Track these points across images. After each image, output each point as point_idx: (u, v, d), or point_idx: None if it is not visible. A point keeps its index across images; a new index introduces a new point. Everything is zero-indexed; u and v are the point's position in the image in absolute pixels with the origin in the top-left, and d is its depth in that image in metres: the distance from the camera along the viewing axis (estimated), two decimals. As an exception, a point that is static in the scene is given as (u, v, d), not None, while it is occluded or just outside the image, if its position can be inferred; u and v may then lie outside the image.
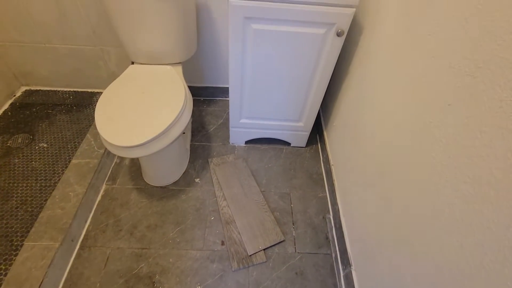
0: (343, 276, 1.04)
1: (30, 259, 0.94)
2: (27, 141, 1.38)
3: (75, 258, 1.05)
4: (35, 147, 1.35)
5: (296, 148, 1.50)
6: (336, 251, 1.12)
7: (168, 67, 1.22)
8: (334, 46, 1.00)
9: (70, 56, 1.49)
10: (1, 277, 0.93)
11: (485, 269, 0.44)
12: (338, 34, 0.94)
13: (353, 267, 0.98)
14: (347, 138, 1.13)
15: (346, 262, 1.03)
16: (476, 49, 0.49)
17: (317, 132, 1.57)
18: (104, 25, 1.35)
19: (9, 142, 1.37)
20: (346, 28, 0.94)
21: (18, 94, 1.61)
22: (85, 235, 1.11)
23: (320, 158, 1.45)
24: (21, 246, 0.98)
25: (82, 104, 1.58)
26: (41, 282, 0.89)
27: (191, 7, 1.14)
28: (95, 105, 1.57)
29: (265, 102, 1.24)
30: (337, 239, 1.13)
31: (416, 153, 0.65)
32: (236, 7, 0.90)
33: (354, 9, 0.90)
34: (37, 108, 1.54)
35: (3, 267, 0.96)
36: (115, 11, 1.05)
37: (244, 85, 1.16)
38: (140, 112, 1.00)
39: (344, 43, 1.18)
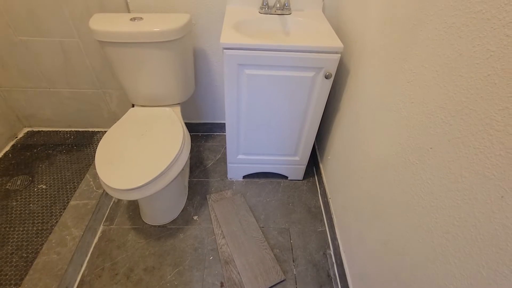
0: (347, 317, 1.00)
1: (22, 311, 0.91)
2: (26, 182, 1.39)
3: (69, 307, 1.01)
4: (34, 189, 1.36)
5: (294, 181, 1.51)
6: (338, 290, 1.09)
7: (167, 108, 1.28)
8: (323, 87, 1.06)
9: (73, 99, 1.56)
10: (-9, 331, 0.89)
11: (481, 315, 0.45)
12: (326, 77, 1.01)
13: (356, 308, 0.96)
14: (341, 173, 1.16)
15: (349, 302, 1.00)
16: (449, 99, 0.53)
17: (313, 165, 1.60)
18: (107, 71, 1.43)
19: (8, 184, 1.38)
20: (333, 71, 1.01)
21: (20, 135, 1.65)
22: (80, 281, 1.08)
23: (317, 191, 1.47)
24: (14, 295, 0.96)
25: (83, 144, 1.62)
26: (33, 336, 0.85)
27: (189, 53, 1.23)
28: (95, 144, 1.61)
29: (261, 139, 1.28)
30: (339, 277, 1.11)
31: (405, 193, 0.67)
32: (230, 55, 0.97)
33: (339, 55, 0.98)
34: (38, 149, 1.57)
35: (-6, 320, 0.92)
36: (116, 61, 1.12)
37: (240, 123, 1.21)
38: (139, 155, 1.03)
39: (333, 84, 1.26)
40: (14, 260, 1.08)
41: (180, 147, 1.06)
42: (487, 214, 0.45)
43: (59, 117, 1.64)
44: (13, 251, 1.11)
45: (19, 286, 0.97)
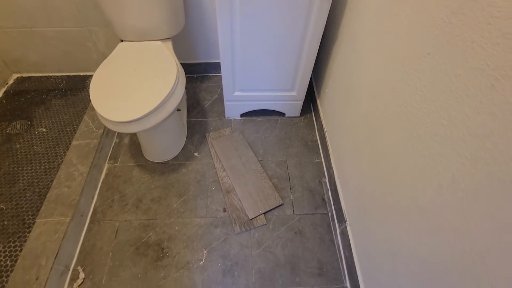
0: (339, 232, 1.11)
1: (43, 234, 0.99)
2: (25, 127, 1.40)
3: (86, 232, 1.11)
4: (35, 132, 1.38)
5: (291, 118, 1.52)
6: (332, 211, 1.18)
7: (158, 42, 1.22)
8: (321, 8, 1.00)
9: (58, 39, 1.47)
10: (16, 253, 0.99)
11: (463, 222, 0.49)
12: (325, -4, 0.94)
13: (348, 223, 1.05)
14: (338, 103, 1.16)
15: (341, 219, 1.09)
16: (452, -5, 0.51)
17: (310, 101, 1.59)
18: (88, 1, 1.33)
19: (8, 129, 1.39)
20: (332, -11, 0.94)
21: (11, 82, 1.61)
22: (93, 211, 1.17)
23: (314, 126, 1.49)
24: (33, 223, 1.04)
25: (76, 88, 1.59)
26: (57, 254, 0.95)
27: (175, -22, 1.12)
28: (89, 88, 1.58)
29: (257, 73, 1.25)
30: (332, 200, 1.20)
31: (400, 107, 0.68)
32: (220, -27, 0.89)
33: (339, -32, 0.90)
34: (31, 94, 1.55)
35: (18, 244, 1.02)
36: (98, -13, 1.03)
37: (235, 56, 1.17)
38: (134, 89, 1.01)
39: (332, 6, 1.17)
40: (28, 194, 1.15)
41: (175, 79, 1.04)
42: (475, 107, 0.46)
43: (47, 60, 1.58)
44: (25, 187, 1.17)
45: (37, 215, 1.05)
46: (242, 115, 1.51)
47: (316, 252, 1.08)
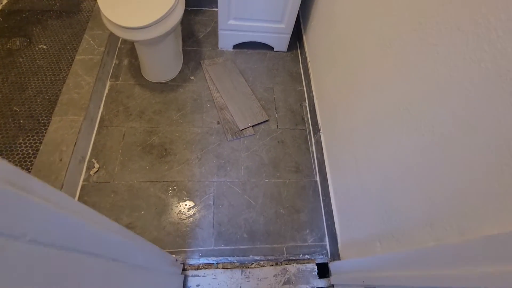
0: (314, 142, 1.34)
1: (61, 128, 1.14)
2: (25, 44, 1.45)
3: (96, 134, 1.26)
4: (35, 49, 1.44)
5: (279, 53, 1.67)
6: (309, 127, 1.40)
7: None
8: None
9: (52, -44, 1.47)
10: (36, 144, 1.14)
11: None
12: None
13: (322, 132, 1.28)
14: (321, 32, 1.32)
15: (316, 131, 1.32)
16: None
17: (297, 40, 1.73)
18: None
19: (8, 44, 1.44)
20: None
21: (4, 1, 1.60)
22: (101, 118, 1.31)
23: (299, 61, 1.65)
24: (49, 122, 1.17)
25: (71, 11, 1.61)
26: (75, 143, 1.11)
27: None
28: (84, 12, 1.62)
29: (251, 2, 1.36)
30: (310, 118, 1.41)
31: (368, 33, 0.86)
32: None
33: None
34: (26, 14, 1.57)
35: (36, 138, 1.16)
36: None
37: (231, -19, 1.27)
38: (138, 2, 1.11)
39: None
40: (39, 100, 1.26)
41: (177, -5, 1.14)
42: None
43: (40, -21, 1.57)
44: (35, 94, 1.28)
45: (50, 116, 1.18)
46: (234, 47, 1.64)
47: (294, 156, 1.31)
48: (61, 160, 1.06)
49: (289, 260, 1.08)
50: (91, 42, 1.41)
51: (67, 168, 1.05)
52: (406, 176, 0.66)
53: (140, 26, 1.05)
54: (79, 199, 1.10)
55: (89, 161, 1.19)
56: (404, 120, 0.67)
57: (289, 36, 1.58)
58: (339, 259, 1.01)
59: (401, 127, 0.68)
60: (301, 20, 1.70)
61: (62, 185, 1.02)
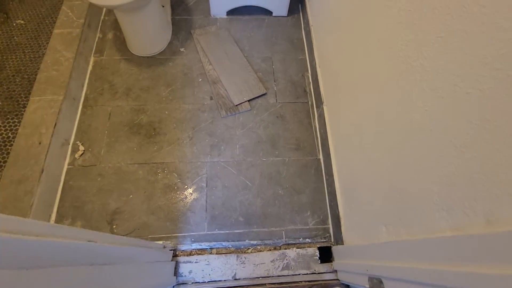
0: (317, 115, 1.21)
1: (39, 109, 1.05)
2: (1, 19, 1.35)
3: (80, 115, 1.18)
4: (13, 24, 1.33)
5: (278, 18, 1.50)
6: (312, 100, 1.27)
7: None
8: None
9: None
10: (16, 127, 1.06)
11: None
12: None
13: (324, 104, 1.14)
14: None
15: (319, 103, 1.18)
16: None
17: (298, 1, 1.54)
18: None
19: (-16, 20, 1.33)
20: None
21: (-25, -28, 1.48)
22: (85, 97, 1.22)
23: (301, 26, 1.48)
24: (27, 103, 1.09)
25: (49, -19, 1.48)
26: (55, 125, 1.03)
27: None
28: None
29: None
30: (313, 90, 1.27)
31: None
32: None
33: None
34: (1, -14, 1.44)
35: (16, 120, 1.09)
36: None
37: None
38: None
39: None
40: (17, 80, 1.18)
41: None
42: None
43: None
44: (14, 73, 1.19)
45: (29, 95, 1.10)
46: (228, 13, 1.48)
47: (295, 132, 1.20)
48: (40, 143, 0.99)
49: (288, 244, 1.00)
50: (70, 14, 1.29)
51: (47, 152, 0.98)
52: (418, 148, 0.54)
53: (111, -13, 0.92)
54: (64, 183, 1.04)
55: (74, 143, 1.12)
56: (417, 81, 0.53)
57: (288, -4, 1.40)
58: (342, 243, 0.92)
59: (413, 88, 0.55)
60: (303, -22, 1.49)
61: (42, 170, 0.95)
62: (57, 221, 0.98)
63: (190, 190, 1.06)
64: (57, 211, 1.00)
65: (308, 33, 1.36)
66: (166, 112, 1.20)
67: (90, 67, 1.29)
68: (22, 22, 1.34)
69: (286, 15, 1.50)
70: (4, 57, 1.23)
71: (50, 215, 0.98)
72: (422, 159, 0.53)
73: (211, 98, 1.25)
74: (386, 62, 0.65)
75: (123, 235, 0.97)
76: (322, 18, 1.19)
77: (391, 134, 0.64)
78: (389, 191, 0.65)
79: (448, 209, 0.47)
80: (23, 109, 1.10)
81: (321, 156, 1.15)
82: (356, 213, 0.85)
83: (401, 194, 0.61)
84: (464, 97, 0.43)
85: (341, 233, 0.93)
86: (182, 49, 1.37)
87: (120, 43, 1.37)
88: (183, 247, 0.97)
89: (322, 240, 1.01)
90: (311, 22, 1.34)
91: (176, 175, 1.08)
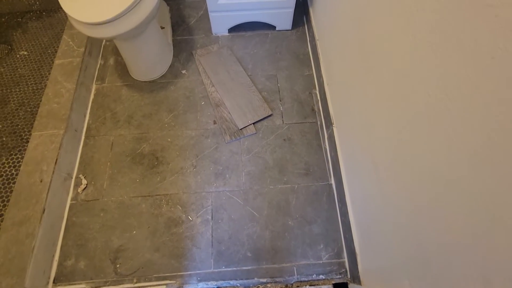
0: (327, 136, 1.14)
1: (40, 145, 1.04)
2: (6, 51, 1.35)
3: (83, 146, 1.16)
4: (16, 56, 1.34)
5: (282, 32, 1.43)
6: (321, 119, 1.19)
7: None
8: None
9: None
10: (20, 163, 1.05)
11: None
12: None
13: (334, 125, 1.06)
14: (331, 5, 1.07)
15: (329, 124, 1.11)
16: None
17: (303, 14, 1.48)
18: None
19: (-11, 53, 1.35)
20: None
21: (-19, 5, 1.50)
22: (87, 127, 1.20)
23: (306, 38, 1.41)
24: (30, 137, 1.08)
25: (51, 9, 1.48)
26: (56, 161, 1.01)
27: None
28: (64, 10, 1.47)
29: (240, -27, 1.13)
30: (322, 108, 1.20)
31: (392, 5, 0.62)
32: None
33: None
34: (6, 18, 1.46)
35: (20, 156, 1.08)
36: None
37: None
38: (104, -12, 0.94)
39: None
40: (21, 113, 1.17)
41: (147, -25, 0.95)
42: None
43: (14, -23, 1.44)
44: (17, 107, 1.19)
45: (31, 129, 1.08)
46: (230, 31, 1.43)
47: (303, 155, 1.13)
48: (41, 181, 0.97)
49: (300, 281, 0.93)
50: (70, 43, 1.28)
51: (48, 190, 0.96)
52: (448, 198, 0.46)
53: (104, 20, 0.88)
54: (67, 220, 1.02)
55: (77, 177, 1.09)
56: (443, 113, 0.46)
57: (292, 10, 1.33)
58: (359, 282, 0.84)
59: (441, 121, 0.47)
60: (306, -11, 1.43)
61: (44, 209, 0.93)
62: (61, 261, 0.96)
63: (194, 224, 1.01)
64: (61, 250, 0.98)
65: (314, 47, 1.29)
66: (169, 139, 1.16)
67: (92, 96, 1.27)
68: (25, 53, 1.34)
69: (290, 28, 1.43)
70: (9, 90, 1.24)
71: (53, 255, 0.96)
72: (455, 212, 0.45)
73: (215, 122, 1.20)
74: (402, 84, 0.58)
75: (127, 275, 0.94)
76: (328, 32, 1.11)
77: (413, 171, 0.56)
78: (411, 239, 0.57)
79: (489, 281, 0.39)
80: (26, 144, 1.09)
81: (332, 181, 1.07)
82: (373, 254, 0.77)
83: (426, 247, 0.53)
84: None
85: (358, 270, 0.85)
86: (183, 71, 1.33)
87: (122, 68, 1.34)
88: (189, 286, 0.92)
89: (338, 277, 0.93)
90: (316, 36, 1.27)
91: (180, 208, 1.04)
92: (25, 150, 1.07)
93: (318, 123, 1.19)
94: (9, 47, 1.36)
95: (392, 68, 0.61)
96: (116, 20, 0.90)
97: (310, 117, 1.21)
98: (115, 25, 0.91)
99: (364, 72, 0.78)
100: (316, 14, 1.28)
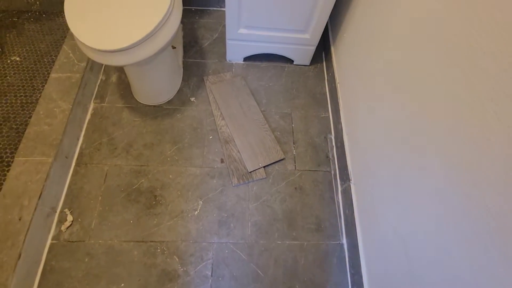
0: (341, 190, 1.07)
1: (24, 174, 0.91)
2: (-4, 54, 1.21)
3: (72, 175, 1.03)
4: (7, 61, 1.20)
5: (299, 67, 1.37)
6: (335, 169, 1.12)
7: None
8: None
9: None
10: (-1, 191, 0.92)
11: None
12: None
13: (352, 182, 1.00)
14: (358, 50, 1.01)
15: (345, 178, 1.04)
16: None
17: (323, 49, 1.42)
18: None
19: (-24, 54, 1.20)
20: None
21: (-27, -3, 1.35)
22: (79, 153, 1.07)
23: (324, 77, 1.35)
24: (12, 161, 0.94)
25: (53, 12, 1.36)
26: (40, 195, 0.88)
27: None
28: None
29: (267, 6, 1.05)
30: (337, 157, 1.13)
31: (431, 63, 0.55)
32: None
33: None
34: (0, 16, 1.32)
35: (-1, 182, 0.94)
36: None
37: (242, -19, 0.97)
38: (119, 11, 0.84)
39: None
40: (5, 130, 1.03)
41: (170, 3, 0.86)
42: None
43: (15, -27, 1.31)
44: (1, 122, 1.05)
45: (15, 153, 0.95)
46: (245, 59, 1.35)
47: (315, 208, 1.05)
48: (20, 219, 0.84)
49: None
50: (71, 55, 1.16)
51: (28, 231, 0.83)
52: None
53: (118, 48, 0.78)
54: (45, 264, 0.89)
55: (61, 211, 0.97)
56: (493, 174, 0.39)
57: (314, 48, 1.27)
58: None
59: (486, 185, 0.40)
60: (330, 28, 1.37)
61: (19, 255, 0.80)
62: (32, 315, 0.82)
63: (192, 279, 0.90)
64: (34, 300, 0.85)
65: (334, 89, 1.22)
66: (170, 176, 1.06)
67: (88, 116, 1.15)
68: (17, 59, 1.21)
69: (308, 64, 1.37)
70: (-7, 100, 1.10)
71: (24, 308, 0.83)
72: None
73: (222, 161, 1.10)
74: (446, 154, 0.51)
75: (109, 337, 0.81)
76: (352, 79, 1.05)
77: (455, 257, 0.49)
78: None
79: None
80: (7, 170, 0.95)
81: (344, 241, 1.00)
82: None
83: None
84: None
85: None
86: (192, 99, 1.23)
87: (124, 87, 1.23)
88: None
89: None
90: (337, 79, 1.21)
91: (177, 259, 0.93)
92: (4, 178, 0.94)
93: (332, 172, 1.12)
94: (0, 50, 1.23)
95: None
96: (132, 48, 0.80)
97: (324, 165, 1.13)
98: (129, 53, 0.81)
99: (394, 137, 0.71)
100: (339, 54, 1.22)
